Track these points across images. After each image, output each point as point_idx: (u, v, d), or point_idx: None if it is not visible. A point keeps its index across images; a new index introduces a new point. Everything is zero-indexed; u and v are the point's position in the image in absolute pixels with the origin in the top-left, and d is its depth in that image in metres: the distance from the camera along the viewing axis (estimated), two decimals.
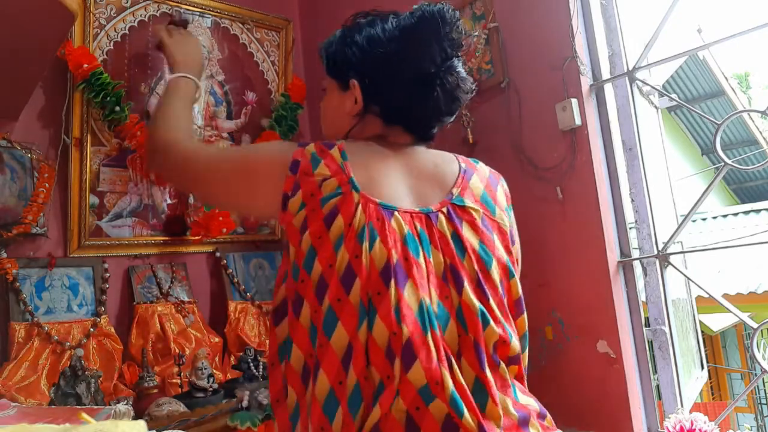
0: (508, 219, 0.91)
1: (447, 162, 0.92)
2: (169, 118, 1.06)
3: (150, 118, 1.17)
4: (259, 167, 0.88)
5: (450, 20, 0.87)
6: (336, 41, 0.96)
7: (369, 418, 0.71)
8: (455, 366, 0.74)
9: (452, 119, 0.95)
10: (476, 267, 0.81)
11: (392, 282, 0.75)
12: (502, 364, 0.79)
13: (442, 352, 0.74)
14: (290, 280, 0.81)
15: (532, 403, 0.81)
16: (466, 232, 0.83)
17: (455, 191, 0.87)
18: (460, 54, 0.91)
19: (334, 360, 0.74)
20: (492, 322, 0.78)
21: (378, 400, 0.72)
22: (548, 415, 0.82)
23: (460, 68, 0.91)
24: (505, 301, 0.84)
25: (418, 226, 0.81)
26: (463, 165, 0.92)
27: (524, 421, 0.77)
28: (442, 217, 0.83)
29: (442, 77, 0.89)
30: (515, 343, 0.81)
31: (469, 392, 0.73)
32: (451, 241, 0.81)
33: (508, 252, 0.87)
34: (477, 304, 0.78)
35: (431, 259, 0.79)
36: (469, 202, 0.86)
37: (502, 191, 0.93)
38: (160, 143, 1.01)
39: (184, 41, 1.26)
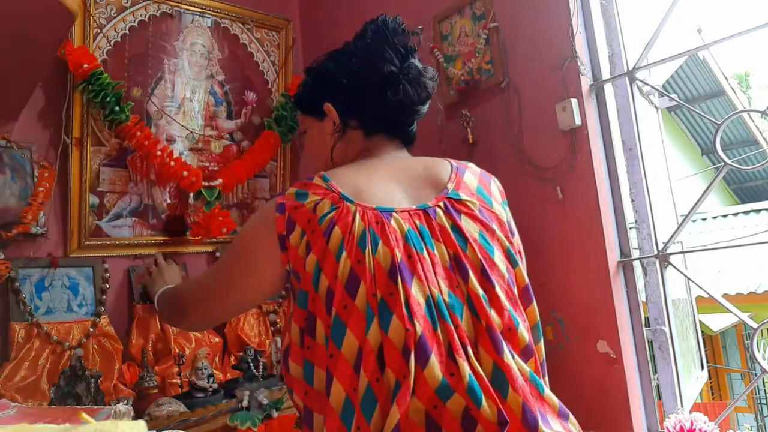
0: (505, 213, 0.93)
1: (437, 164, 0.95)
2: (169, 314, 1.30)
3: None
4: (248, 243, 0.92)
5: (394, 27, 0.96)
6: (303, 85, 1.05)
7: (388, 420, 0.71)
8: (472, 355, 0.74)
9: (426, 108, 0.99)
10: (480, 255, 0.82)
11: (399, 280, 0.76)
12: (518, 358, 0.78)
13: (457, 343, 0.75)
14: (297, 311, 0.81)
15: (554, 399, 0.80)
16: (465, 223, 0.84)
17: (450, 186, 0.89)
18: (415, 55, 0.97)
19: (346, 367, 0.74)
20: (493, 310, 0.79)
21: (395, 399, 0.71)
22: (571, 416, 0.81)
23: (419, 63, 0.97)
24: (515, 289, 0.84)
25: (418, 223, 0.82)
26: (454, 164, 0.95)
27: (564, 415, 0.77)
28: (439, 211, 0.85)
29: (405, 73, 0.94)
30: (523, 331, 0.81)
31: (487, 380, 0.73)
32: (451, 233, 0.83)
33: (510, 242, 0.88)
34: (481, 291, 0.79)
35: (435, 252, 0.81)
36: (464, 195, 0.88)
37: (495, 187, 0.96)
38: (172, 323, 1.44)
39: (159, 273, 1.52)
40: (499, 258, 0.84)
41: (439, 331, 0.75)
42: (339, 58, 0.99)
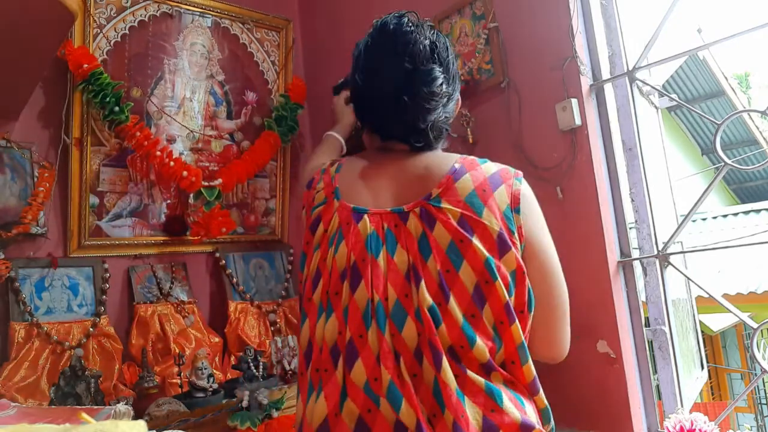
0: (503, 222, 0.83)
1: (440, 164, 0.89)
2: (314, 161, 1.21)
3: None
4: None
5: (395, 30, 0.88)
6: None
7: (316, 411, 0.77)
8: (403, 365, 0.76)
9: (440, 112, 0.91)
10: (439, 267, 0.78)
11: (345, 283, 0.80)
12: (470, 372, 0.75)
13: (386, 350, 0.76)
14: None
15: (514, 413, 0.75)
16: (437, 232, 0.80)
17: (435, 191, 0.84)
18: (424, 63, 0.88)
19: (300, 354, 0.84)
20: (443, 324, 0.76)
21: (323, 392, 0.78)
22: (536, 428, 0.76)
23: (436, 73, 0.89)
24: (486, 305, 0.79)
25: (386, 226, 0.83)
26: (457, 165, 0.87)
27: (526, 427, 0.74)
28: (413, 217, 0.83)
29: (411, 86, 0.88)
30: (481, 348, 0.76)
31: (414, 393, 0.74)
32: (416, 241, 0.81)
33: (494, 254, 0.80)
34: (431, 303, 0.77)
35: (395, 258, 0.81)
36: (446, 203, 0.82)
37: (505, 193, 0.86)
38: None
39: (347, 111, 1.33)
40: (466, 272, 0.78)
41: (369, 336, 0.77)
42: (353, 63, 0.97)
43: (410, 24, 0.89)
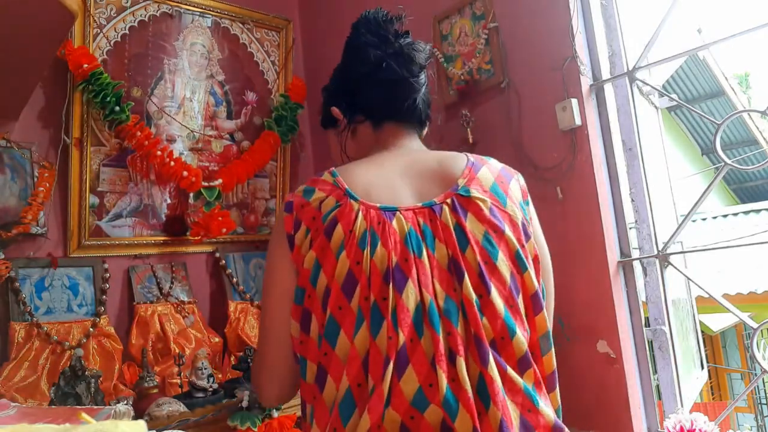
0: (521, 213, 0.86)
1: (453, 158, 0.91)
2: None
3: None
4: (269, 255, 0.89)
5: (376, 17, 0.96)
6: (321, 106, 1.08)
7: (358, 428, 0.70)
8: (460, 363, 0.72)
9: (422, 79, 0.97)
10: (479, 259, 0.78)
11: (390, 286, 0.74)
12: (510, 369, 0.75)
13: (442, 352, 0.72)
14: (294, 308, 0.82)
15: (549, 416, 0.75)
16: (470, 224, 0.80)
17: (461, 182, 0.85)
18: (404, 36, 0.96)
19: (339, 367, 0.75)
20: (486, 317, 0.75)
21: (367, 406, 0.71)
22: (565, 430, 0.77)
23: (407, 40, 0.96)
24: (519, 295, 0.80)
25: (422, 222, 0.80)
26: (471, 158, 0.90)
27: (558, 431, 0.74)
28: (446, 209, 0.81)
29: (388, 52, 0.94)
30: (520, 340, 0.77)
31: (470, 392, 0.71)
32: (453, 233, 0.79)
33: (521, 245, 0.83)
34: (474, 296, 0.76)
35: (435, 254, 0.78)
36: (475, 193, 0.83)
37: (517, 185, 0.90)
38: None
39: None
40: (502, 262, 0.79)
41: (423, 340, 0.73)
42: (338, 65, 1.02)
43: (383, 12, 0.98)
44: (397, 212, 0.80)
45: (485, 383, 0.72)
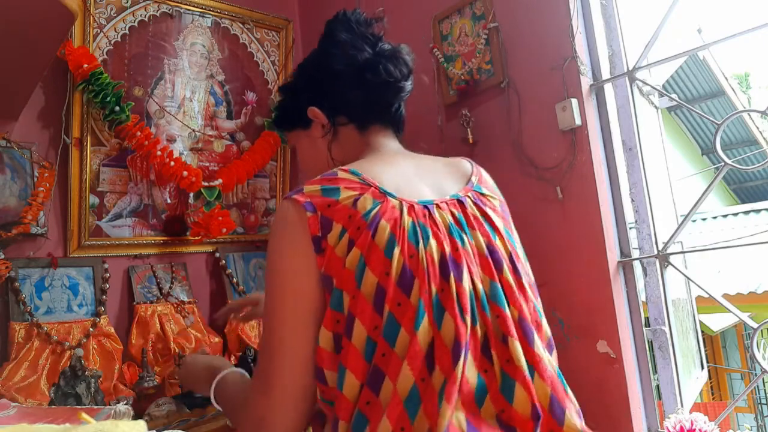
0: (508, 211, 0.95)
1: (457, 160, 0.96)
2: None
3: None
4: (281, 263, 0.79)
5: (356, 19, 0.96)
6: (279, 103, 1.05)
7: (440, 418, 0.67)
8: (513, 344, 0.74)
9: (410, 84, 0.97)
10: (508, 246, 0.83)
11: (451, 276, 0.74)
12: (546, 353, 0.78)
13: (493, 335, 0.74)
14: (331, 314, 0.74)
15: (573, 398, 0.78)
16: (491, 215, 0.85)
17: (474, 179, 0.90)
18: (383, 40, 0.97)
19: (397, 366, 0.70)
20: (523, 300, 0.79)
21: (444, 396, 0.68)
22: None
23: (390, 45, 0.96)
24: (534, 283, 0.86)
25: (455, 212, 0.82)
26: (472, 162, 0.96)
27: (581, 415, 0.76)
28: (469, 201, 0.85)
29: (380, 53, 0.93)
30: (546, 324, 0.82)
31: (526, 371, 0.73)
32: (483, 223, 0.83)
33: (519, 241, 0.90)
34: (512, 281, 0.79)
35: (473, 242, 0.80)
36: (486, 190, 0.89)
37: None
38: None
39: (188, 370, 1.12)
40: (521, 250, 0.86)
41: (478, 326, 0.74)
42: (313, 63, 0.99)
43: (362, 12, 0.98)
44: (433, 206, 0.81)
45: (533, 363, 0.74)
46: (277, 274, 0.79)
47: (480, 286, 0.76)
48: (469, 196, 0.86)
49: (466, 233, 0.80)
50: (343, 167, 0.83)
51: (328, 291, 0.75)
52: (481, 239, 0.81)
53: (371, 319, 0.72)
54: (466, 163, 0.95)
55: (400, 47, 0.96)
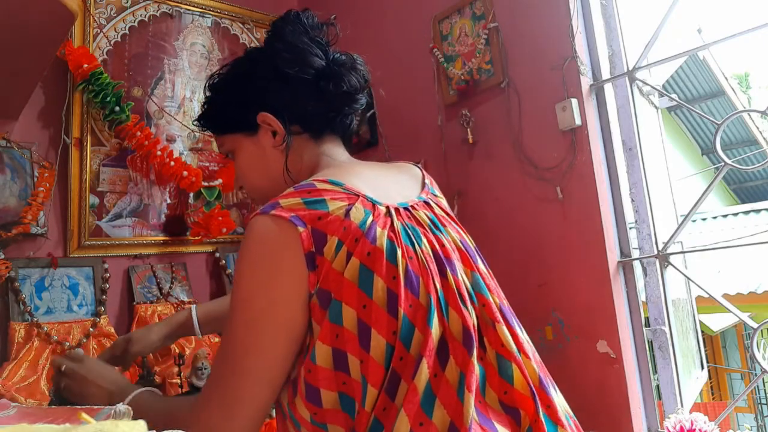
0: None
1: (406, 166, 0.99)
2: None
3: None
4: (264, 285, 0.73)
5: (309, 21, 0.93)
6: (210, 103, 0.95)
7: (464, 406, 0.67)
8: (501, 329, 0.77)
9: (364, 98, 0.95)
10: (472, 241, 0.88)
11: (448, 271, 0.77)
12: (524, 333, 0.82)
13: (486, 321, 0.77)
14: (327, 328, 0.71)
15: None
16: (452, 213, 0.91)
17: (428, 182, 0.94)
18: (331, 45, 0.94)
19: (411, 368, 0.69)
20: (498, 290, 0.84)
21: (466, 386, 0.68)
22: None
23: (341, 54, 0.93)
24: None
25: (427, 213, 0.85)
26: (415, 164, 1.00)
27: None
28: (432, 203, 0.89)
29: (337, 63, 0.91)
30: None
31: (517, 354, 0.75)
32: (449, 221, 0.87)
33: None
34: (486, 271, 0.84)
35: (449, 237, 0.83)
36: (438, 192, 0.95)
37: None
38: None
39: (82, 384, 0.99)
40: (474, 246, 0.89)
41: (473, 316, 0.76)
42: (260, 63, 0.91)
43: (314, 15, 0.97)
44: (409, 207, 0.83)
45: (518, 344, 0.77)
46: (254, 305, 0.72)
47: (465, 280, 0.80)
48: (430, 199, 0.89)
49: (441, 231, 0.83)
50: (318, 178, 0.79)
51: (324, 306, 0.71)
52: (455, 235, 0.84)
53: (388, 325, 0.70)
54: (414, 168, 0.98)
55: (356, 57, 0.93)
